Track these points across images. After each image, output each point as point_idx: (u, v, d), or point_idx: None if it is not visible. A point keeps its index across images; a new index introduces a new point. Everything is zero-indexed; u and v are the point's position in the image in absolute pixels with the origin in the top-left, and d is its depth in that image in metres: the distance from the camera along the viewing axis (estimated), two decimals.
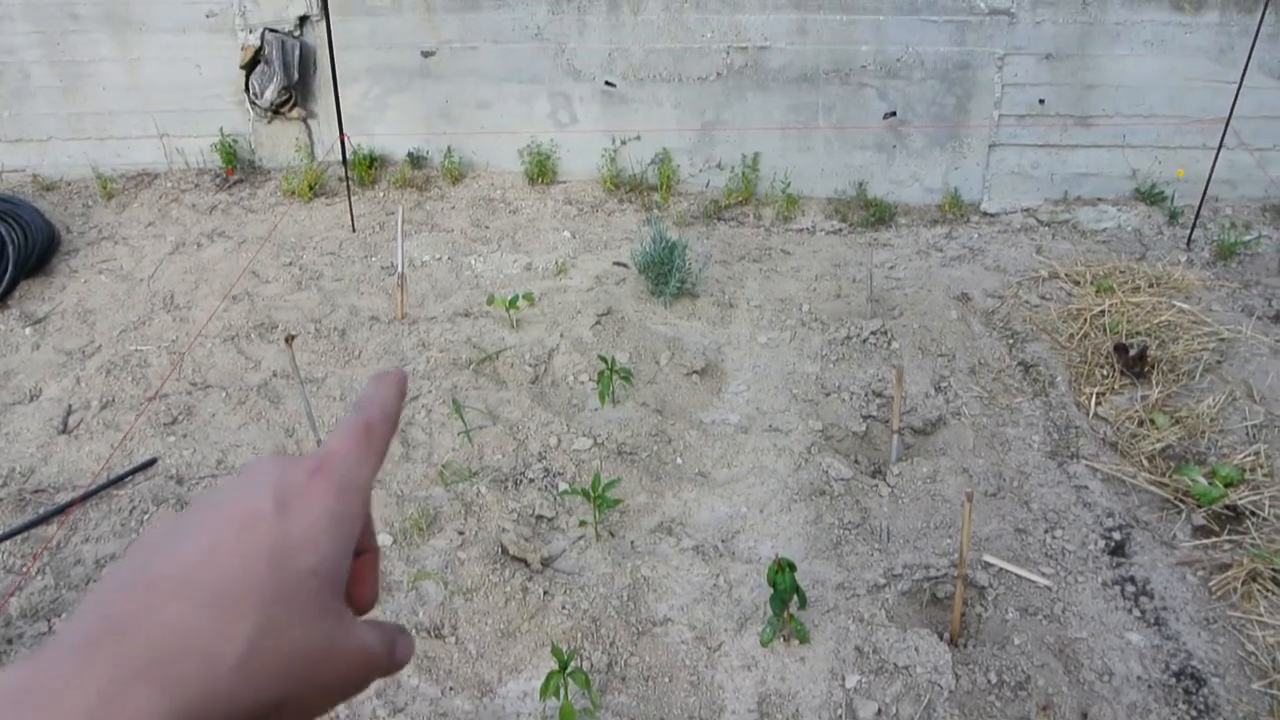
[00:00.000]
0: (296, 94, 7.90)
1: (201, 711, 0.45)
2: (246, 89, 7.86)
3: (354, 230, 7.29)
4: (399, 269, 6.10)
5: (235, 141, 8.06)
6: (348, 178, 7.27)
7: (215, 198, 7.86)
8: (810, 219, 7.21)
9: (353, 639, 0.52)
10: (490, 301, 6.02)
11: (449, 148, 7.73)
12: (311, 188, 7.75)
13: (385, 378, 0.61)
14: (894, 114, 7.05)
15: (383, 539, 4.64)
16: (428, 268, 6.75)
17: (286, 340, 4.74)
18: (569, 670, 3.65)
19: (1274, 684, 3.76)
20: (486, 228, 7.26)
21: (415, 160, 7.90)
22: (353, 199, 7.43)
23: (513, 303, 5.92)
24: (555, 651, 3.67)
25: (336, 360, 5.84)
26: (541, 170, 7.68)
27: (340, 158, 7.15)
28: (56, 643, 0.46)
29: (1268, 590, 4.09)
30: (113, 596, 0.47)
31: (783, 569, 3.85)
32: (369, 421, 0.57)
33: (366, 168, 7.78)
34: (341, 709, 3.85)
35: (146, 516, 4.73)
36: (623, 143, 7.54)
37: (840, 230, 7.06)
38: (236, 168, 8.07)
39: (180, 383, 5.67)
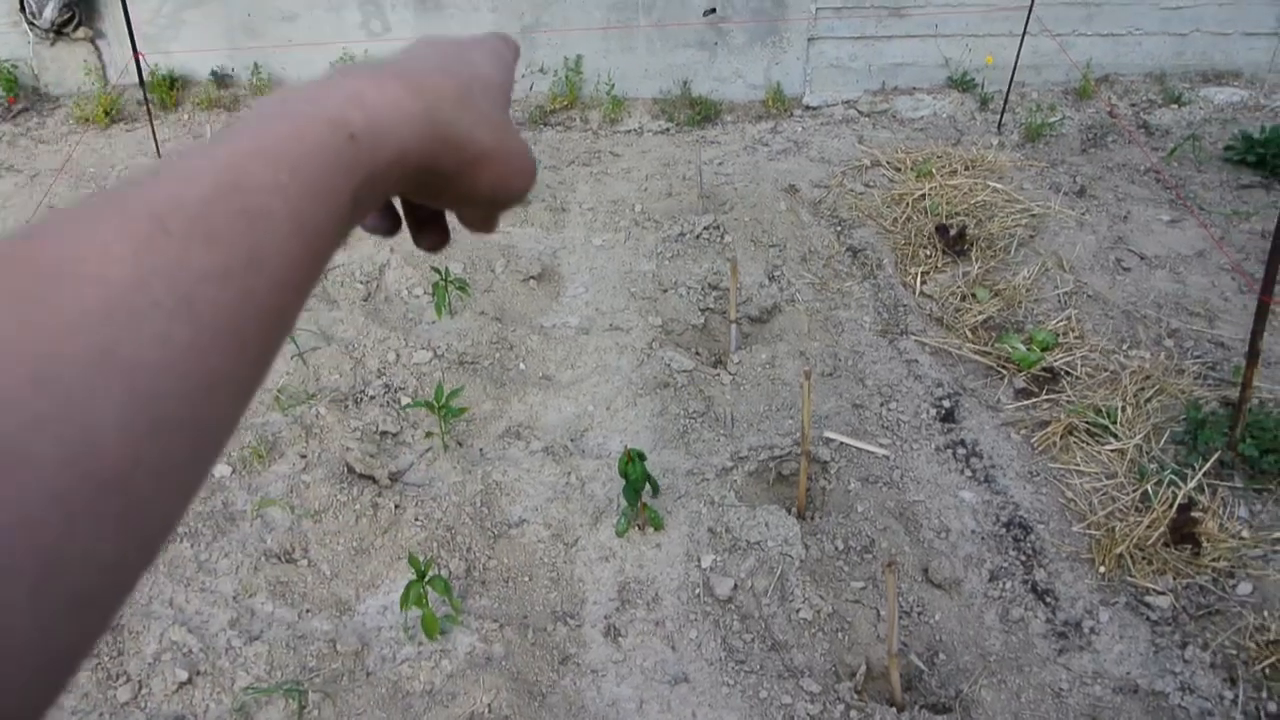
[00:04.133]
0: (80, 11, 7.29)
1: (441, 118, 0.49)
2: (22, 8, 7.21)
3: (159, 157, 6.84)
4: None
5: (15, 67, 7.41)
6: (147, 101, 6.79)
7: None
8: (637, 120, 7.17)
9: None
10: None
11: (255, 64, 7.31)
12: (108, 113, 7.21)
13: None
14: (714, 10, 7.03)
15: (221, 470, 4.46)
16: None
17: None
18: (427, 579, 3.62)
19: (1091, 525, 4.04)
20: None
21: (220, 79, 7.45)
22: (155, 124, 6.95)
23: None
24: (412, 561, 3.61)
25: None
26: None
27: (137, 79, 6.66)
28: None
29: (1083, 442, 4.38)
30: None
31: (633, 459, 3.88)
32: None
33: (167, 89, 7.29)
34: (195, 643, 3.71)
35: None
36: None
37: (668, 130, 7.05)
38: (18, 96, 7.43)
39: None
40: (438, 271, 5.18)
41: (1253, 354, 4.02)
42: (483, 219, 0.61)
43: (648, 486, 4.06)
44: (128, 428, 0.33)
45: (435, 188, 0.52)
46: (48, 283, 0.33)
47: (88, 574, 0.32)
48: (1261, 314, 3.96)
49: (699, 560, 3.92)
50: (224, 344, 0.37)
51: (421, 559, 3.73)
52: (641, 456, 3.92)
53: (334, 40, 7.30)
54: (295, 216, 0.41)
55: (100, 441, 0.32)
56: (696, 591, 3.82)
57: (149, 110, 6.82)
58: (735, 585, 3.80)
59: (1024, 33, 6.42)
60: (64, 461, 0.31)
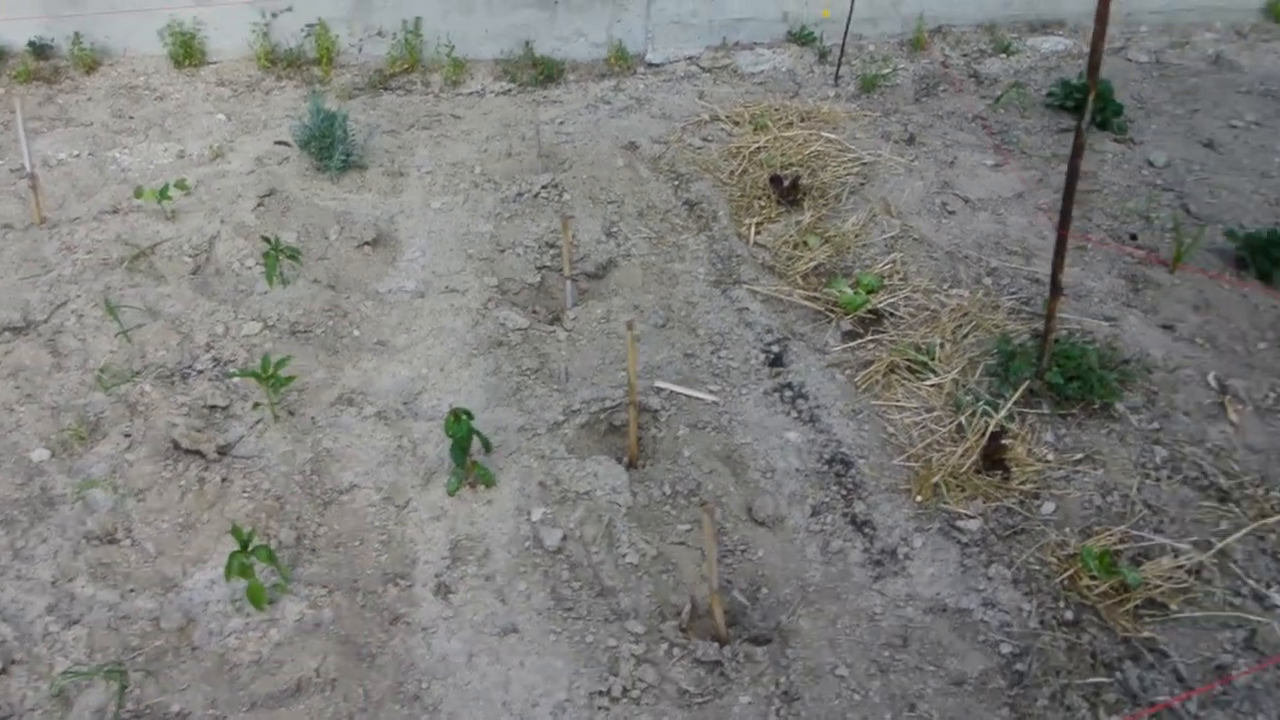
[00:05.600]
0: None
1: None
2: None
3: None
4: (28, 169, 5.52)
5: None
6: None
7: None
8: (480, 82, 7.09)
9: None
10: (139, 194, 5.57)
11: (76, 33, 6.99)
12: None
13: None
14: None
15: (39, 454, 4.29)
16: (66, 166, 6.14)
17: None
18: (251, 549, 3.56)
19: (911, 457, 4.20)
20: (131, 118, 6.67)
21: (38, 49, 7.10)
22: None
23: (164, 193, 5.50)
24: (235, 532, 3.56)
25: None
26: (188, 51, 7.10)
27: None
28: None
29: (904, 379, 4.53)
30: None
31: (458, 418, 3.88)
32: None
33: None
34: (10, 632, 3.59)
35: None
36: (274, 15, 7.08)
37: (510, 91, 6.99)
38: None
39: None
40: (268, 241, 5.06)
41: (1055, 287, 4.20)
42: None
43: (479, 444, 4.07)
44: None
45: None
46: None
47: None
48: (1060, 248, 4.14)
49: (529, 513, 3.95)
50: None
51: (250, 530, 3.67)
52: (468, 415, 3.92)
53: (161, 6, 7.03)
54: None
55: None
56: (526, 544, 3.85)
57: None
58: (564, 536, 3.85)
59: None
60: None
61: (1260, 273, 5.12)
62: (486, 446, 4.06)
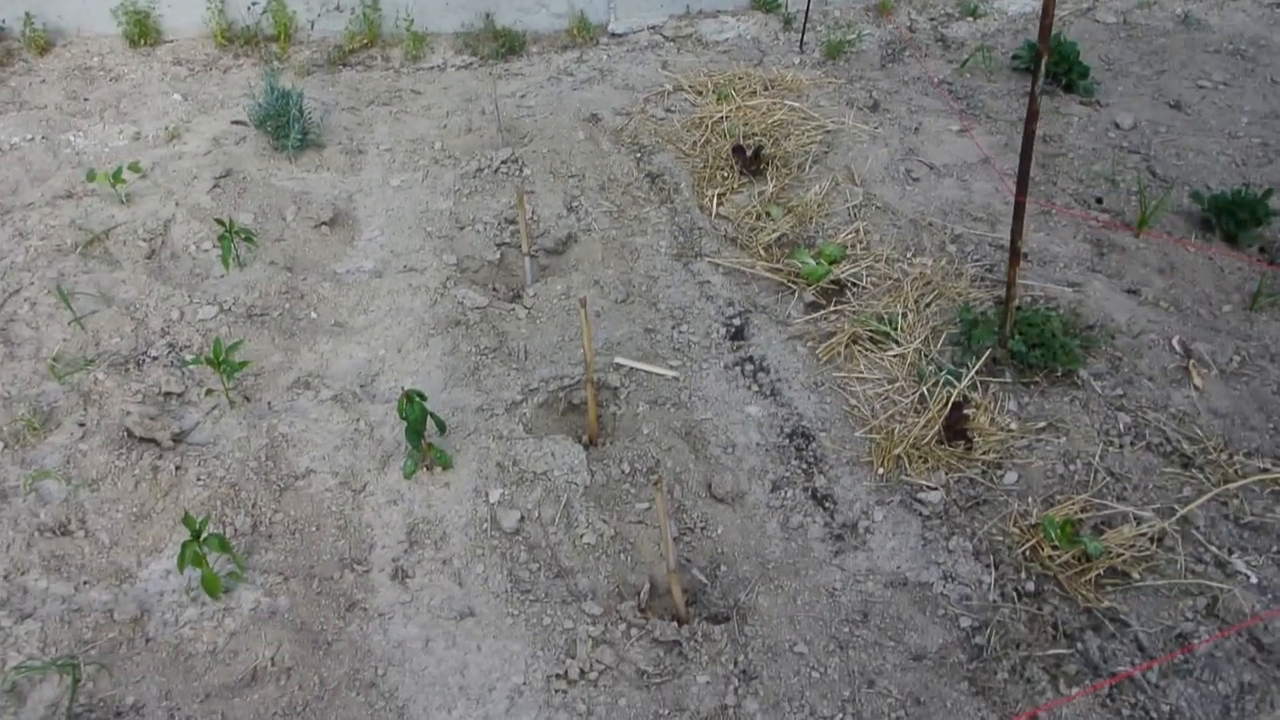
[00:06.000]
0: None
1: None
2: None
3: None
4: None
5: None
6: None
7: None
8: (441, 56, 6.98)
9: None
10: (91, 178, 5.46)
11: (27, 13, 6.84)
12: None
13: None
14: None
15: None
16: (18, 150, 6.02)
17: None
18: (203, 537, 3.51)
19: (873, 430, 4.16)
20: (85, 100, 6.54)
21: None
22: None
23: (117, 176, 5.40)
24: (187, 521, 3.50)
25: None
26: (143, 30, 6.96)
27: None
28: None
29: (866, 350, 4.49)
30: None
31: (411, 400, 3.82)
32: None
33: None
34: None
35: None
36: None
37: (471, 65, 6.88)
38: None
39: None
40: (222, 224, 4.97)
41: (1014, 254, 4.16)
42: None
43: (434, 426, 4.01)
44: None
45: None
46: None
47: None
48: (1018, 214, 4.09)
49: (487, 495, 3.91)
50: None
51: (204, 518, 3.62)
52: (421, 396, 3.86)
53: None
54: None
55: None
56: (484, 526, 3.81)
57: None
58: (522, 517, 3.80)
59: None
60: None
61: (1225, 235, 5.09)
62: (441, 428, 4.01)
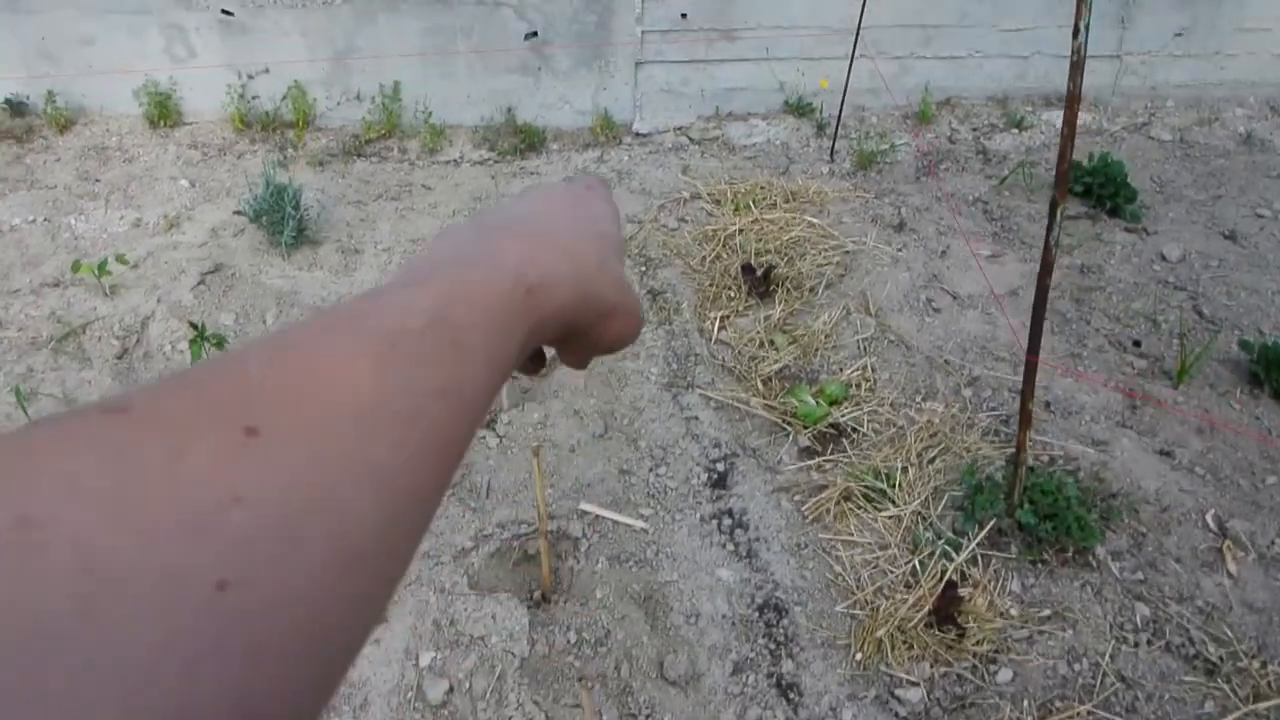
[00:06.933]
0: None
1: (586, 282, 0.56)
2: None
3: None
4: None
5: None
6: None
7: None
8: (459, 149, 6.79)
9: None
10: (76, 268, 5.31)
11: (50, 92, 6.82)
12: None
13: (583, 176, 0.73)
14: (535, 34, 6.68)
15: None
16: (18, 232, 5.93)
17: None
18: None
19: (856, 604, 3.73)
20: (96, 181, 6.46)
21: (15, 107, 6.94)
22: None
23: (102, 268, 5.24)
24: None
25: None
26: (163, 112, 6.90)
27: None
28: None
29: (859, 508, 4.07)
30: (461, 240, 0.55)
31: None
32: (598, 182, 0.72)
33: None
34: None
35: None
36: (250, 77, 6.85)
37: (487, 160, 6.67)
38: None
39: None
40: (195, 327, 4.75)
41: (1024, 417, 3.73)
42: (581, 359, 0.64)
43: None
44: (373, 520, 0.37)
45: (570, 337, 0.59)
46: (315, 383, 0.38)
47: (336, 636, 0.35)
48: (1029, 375, 3.68)
49: (417, 658, 3.55)
50: (439, 454, 0.42)
51: None
52: None
53: (137, 65, 6.84)
54: (487, 350, 0.47)
55: (352, 531, 0.36)
56: (409, 695, 3.45)
57: None
58: (451, 688, 3.44)
59: (853, 55, 6.13)
60: (327, 543, 0.35)
61: (1275, 391, 4.60)
62: None
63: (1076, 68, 3.24)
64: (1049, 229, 3.40)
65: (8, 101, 6.97)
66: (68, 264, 5.60)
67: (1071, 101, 3.27)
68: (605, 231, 0.63)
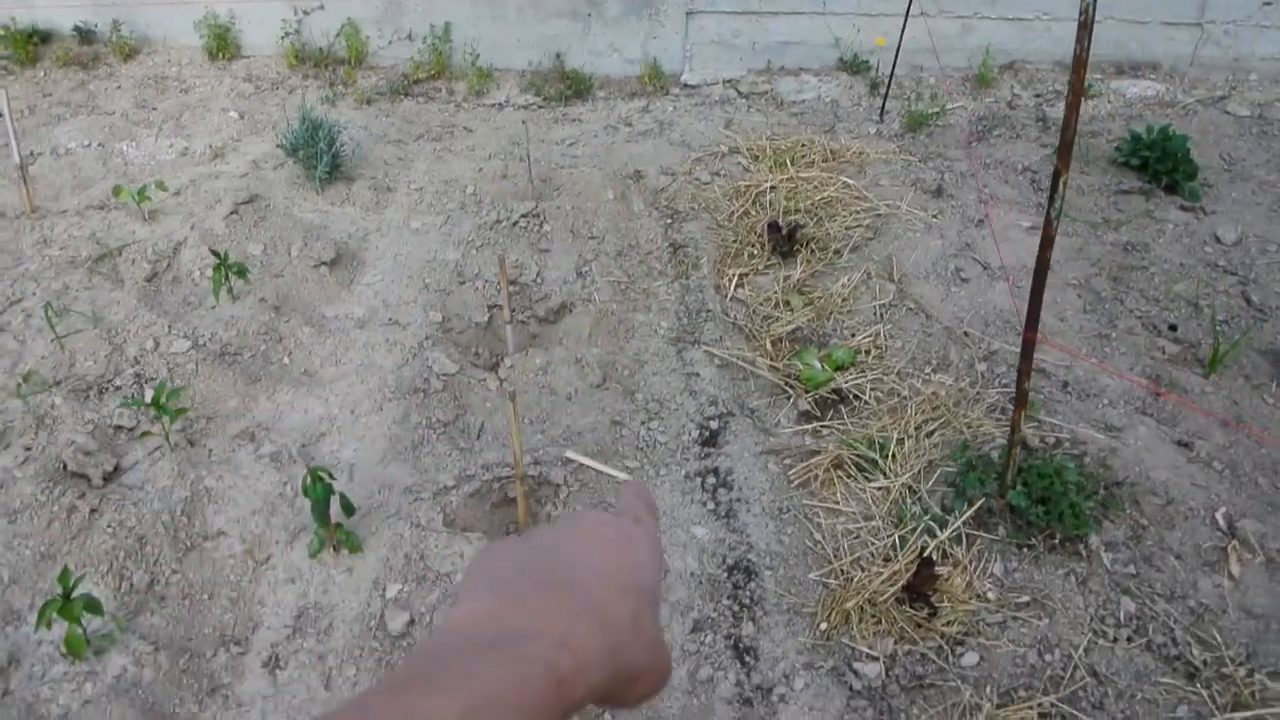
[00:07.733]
0: None
1: (620, 650, 0.59)
2: None
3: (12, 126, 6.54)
4: (16, 157, 5.46)
5: None
6: None
7: None
8: (505, 93, 6.76)
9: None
10: (116, 193, 5.45)
11: (115, 20, 6.97)
12: None
13: (631, 486, 0.83)
14: None
15: None
16: (72, 155, 6.10)
17: None
18: (73, 597, 3.32)
19: (831, 573, 3.66)
20: (153, 109, 6.61)
21: (83, 35, 7.13)
22: (9, 81, 6.65)
23: (142, 193, 5.37)
24: (61, 578, 3.32)
25: None
26: (222, 44, 7.00)
27: None
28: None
29: (848, 476, 3.98)
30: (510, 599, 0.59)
31: (316, 480, 3.55)
32: (646, 507, 0.78)
33: (24, 43, 6.97)
34: None
35: None
36: (306, 13, 6.90)
37: (532, 105, 6.63)
38: None
39: None
40: (216, 255, 4.84)
41: (1020, 395, 3.59)
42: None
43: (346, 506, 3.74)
44: None
45: (595, 702, 0.60)
46: None
47: None
48: (1027, 353, 3.53)
49: (385, 589, 3.59)
50: None
51: (81, 576, 3.45)
52: (329, 475, 3.59)
53: None
54: None
55: None
56: (371, 624, 3.50)
57: None
58: (412, 620, 3.48)
59: (907, 12, 5.90)
60: None
61: None
62: (348, 510, 3.72)
63: (1084, 28, 3.04)
64: (1050, 200, 3.23)
65: (76, 29, 7.15)
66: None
67: (1078, 66, 3.09)
68: (644, 584, 0.65)
